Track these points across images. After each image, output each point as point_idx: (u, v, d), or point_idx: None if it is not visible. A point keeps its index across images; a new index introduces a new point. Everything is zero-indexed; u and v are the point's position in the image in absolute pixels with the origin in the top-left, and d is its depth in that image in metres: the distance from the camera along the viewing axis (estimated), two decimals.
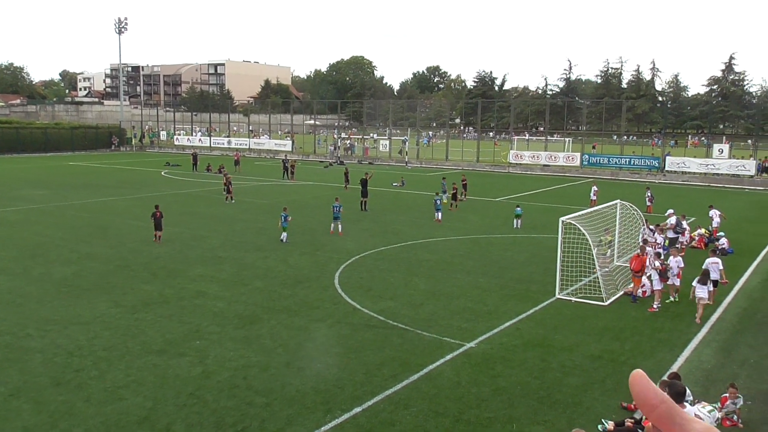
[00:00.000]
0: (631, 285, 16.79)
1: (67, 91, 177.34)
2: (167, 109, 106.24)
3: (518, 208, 27.03)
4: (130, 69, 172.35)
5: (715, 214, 24.64)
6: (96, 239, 22.97)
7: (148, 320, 14.10)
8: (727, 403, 9.74)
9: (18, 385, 10.75)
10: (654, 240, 19.50)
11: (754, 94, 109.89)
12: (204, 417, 9.70)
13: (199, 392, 10.53)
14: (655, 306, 15.42)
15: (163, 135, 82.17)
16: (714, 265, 16.33)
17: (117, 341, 12.79)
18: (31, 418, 9.63)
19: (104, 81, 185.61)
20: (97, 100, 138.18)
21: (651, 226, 20.65)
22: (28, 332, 13.28)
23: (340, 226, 24.18)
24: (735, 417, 9.72)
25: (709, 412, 9.42)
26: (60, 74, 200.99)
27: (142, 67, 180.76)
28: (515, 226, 26.25)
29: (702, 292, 14.63)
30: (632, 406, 9.80)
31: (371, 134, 74.93)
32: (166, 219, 26.48)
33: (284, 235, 22.72)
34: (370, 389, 10.70)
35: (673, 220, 22.49)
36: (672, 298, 15.92)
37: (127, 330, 13.47)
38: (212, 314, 14.58)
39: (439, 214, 27.51)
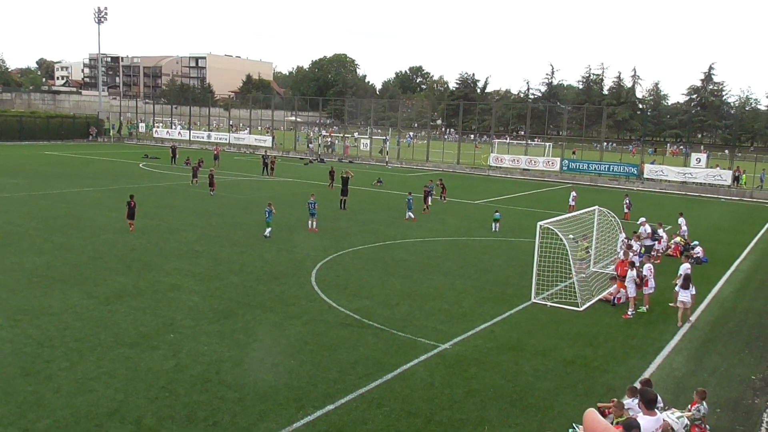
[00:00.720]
0: (611, 289, 16.98)
1: (44, 79, 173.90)
2: (147, 101, 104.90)
3: (497, 213, 27.25)
4: (109, 59, 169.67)
5: (683, 222, 25.13)
6: (70, 230, 22.59)
7: (121, 312, 13.93)
8: (693, 408, 9.92)
9: None
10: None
11: (732, 104, 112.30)
12: (175, 410, 9.62)
13: (171, 386, 10.43)
14: (629, 313, 15.68)
15: (141, 127, 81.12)
16: (687, 270, 16.61)
17: (89, 333, 12.62)
18: None
19: (82, 71, 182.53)
20: (74, 89, 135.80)
21: (629, 241, 20.85)
22: None
23: (315, 222, 24.39)
24: (702, 424, 9.87)
25: (678, 418, 9.59)
26: (37, 62, 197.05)
27: (122, 57, 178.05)
28: (493, 229, 26.45)
29: (685, 296, 15.12)
30: (608, 411, 9.89)
31: (353, 133, 74.83)
32: (143, 211, 26.14)
33: (268, 230, 22.74)
34: (343, 387, 10.71)
35: (647, 228, 22.80)
36: (644, 308, 16.19)
37: (99, 322, 13.28)
38: (187, 308, 14.45)
39: (411, 213, 27.99)
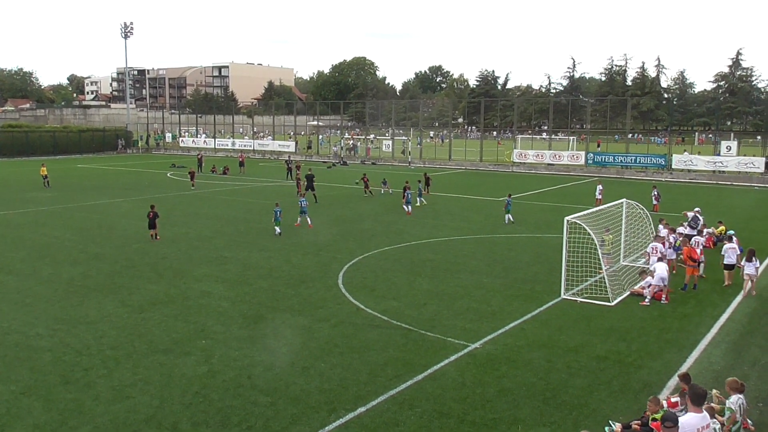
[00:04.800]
0: (642, 283, 16.72)
1: (74, 94, 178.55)
2: (172, 111, 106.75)
3: (509, 198, 27.50)
4: (135, 72, 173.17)
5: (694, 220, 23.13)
6: (103, 240, 23.12)
7: (154, 320, 14.20)
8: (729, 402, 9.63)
9: (28, 383, 10.88)
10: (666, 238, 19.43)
11: (762, 89, 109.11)
12: (209, 416, 9.77)
13: (204, 391, 10.60)
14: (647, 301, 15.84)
15: (168, 137, 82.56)
16: (731, 250, 17.59)
17: (124, 340, 12.90)
18: (42, 415, 9.73)
19: (111, 84, 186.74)
20: (104, 103, 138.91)
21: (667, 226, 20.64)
22: (38, 331, 13.41)
23: (308, 219, 25.71)
24: (741, 418, 9.57)
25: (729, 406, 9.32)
26: (68, 78, 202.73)
27: (148, 70, 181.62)
28: (506, 221, 26.71)
29: (750, 269, 16.36)
30: (670, 400, 9.65)
31: (371, 134, 74.90)
32: (172, 220, 26.67)
33: (278, 229, 23.82)
34: (374, 389, 10.72)
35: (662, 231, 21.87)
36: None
37: (133, 329, 13.57)
38: (217, 314, 14.67)
39: (409, 207, 29.21)
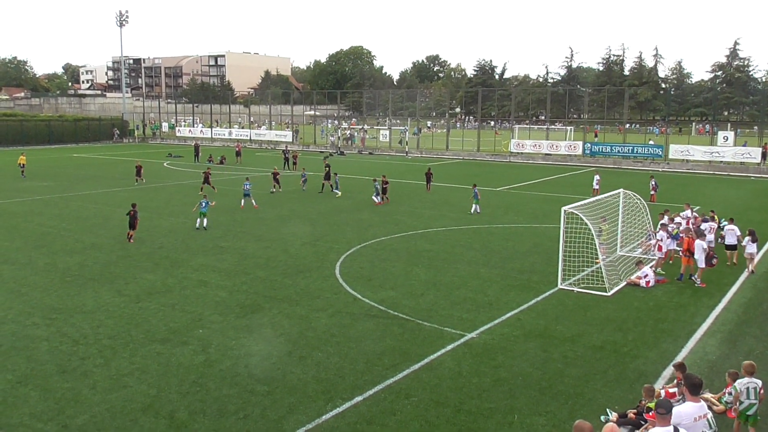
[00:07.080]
0: (638, 273, 16.80)
1: (70, 83, 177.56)
2: (169, 100, 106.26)
3: (475, 188, 27.33)
4: (131, 61, 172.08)
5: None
6: (99, 230, 23.05)
7: (151, 309, 14.20)
8: (726, 392, 9.68)
9: (25, 372, 10.88)
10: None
11: (759, 80, 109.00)
12: (207, 404, 9.79)
13: (201, 380, 10.62)
14: (698, 282, 16.68)
15: (164, 126, 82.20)
16: (731, 231, 18.68)
17: (121, 330, 12.90)
18: (38, 404, 9.74)
19: (106, 73, 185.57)
20: (99, 92, 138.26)
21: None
22: (34, 321, 13.39)
23: (253, 201, 27.41)
24: (734, 406, 9.62)
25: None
26: (63, 67, 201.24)
27: (144, 59, 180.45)
28: (472, 211, 26.75)
29: (751, 248, 17.69)
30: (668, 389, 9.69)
31: (365, 124, 74.59)
32: (169, 209, 26.58)
33: (204, 220, 23.12)
34: (370, 378, 10.76)
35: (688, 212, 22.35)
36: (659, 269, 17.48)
37: (130, 319, 13.57)
38: (214, 303, 14.67)
39: (378, 197, 29.23)
